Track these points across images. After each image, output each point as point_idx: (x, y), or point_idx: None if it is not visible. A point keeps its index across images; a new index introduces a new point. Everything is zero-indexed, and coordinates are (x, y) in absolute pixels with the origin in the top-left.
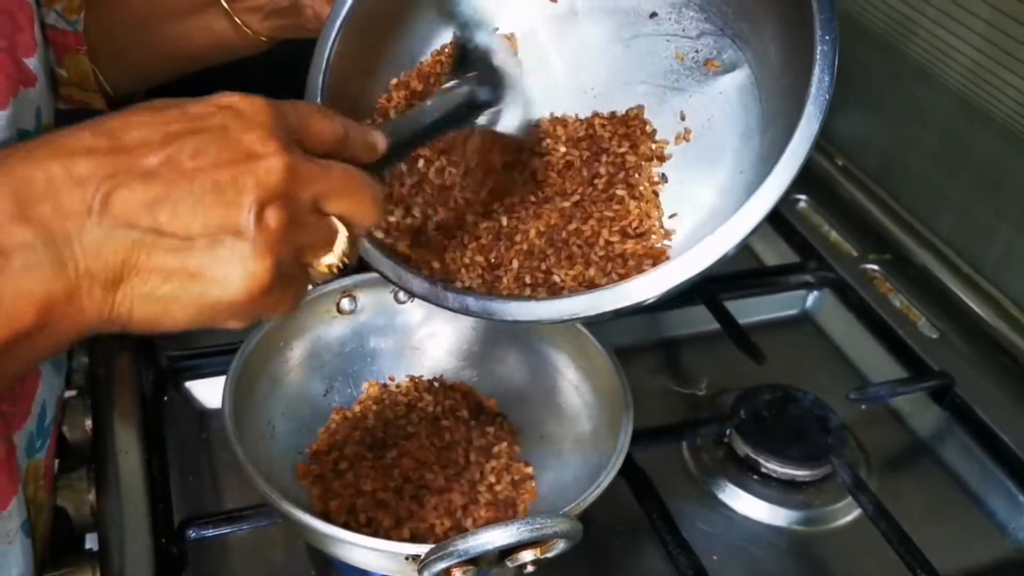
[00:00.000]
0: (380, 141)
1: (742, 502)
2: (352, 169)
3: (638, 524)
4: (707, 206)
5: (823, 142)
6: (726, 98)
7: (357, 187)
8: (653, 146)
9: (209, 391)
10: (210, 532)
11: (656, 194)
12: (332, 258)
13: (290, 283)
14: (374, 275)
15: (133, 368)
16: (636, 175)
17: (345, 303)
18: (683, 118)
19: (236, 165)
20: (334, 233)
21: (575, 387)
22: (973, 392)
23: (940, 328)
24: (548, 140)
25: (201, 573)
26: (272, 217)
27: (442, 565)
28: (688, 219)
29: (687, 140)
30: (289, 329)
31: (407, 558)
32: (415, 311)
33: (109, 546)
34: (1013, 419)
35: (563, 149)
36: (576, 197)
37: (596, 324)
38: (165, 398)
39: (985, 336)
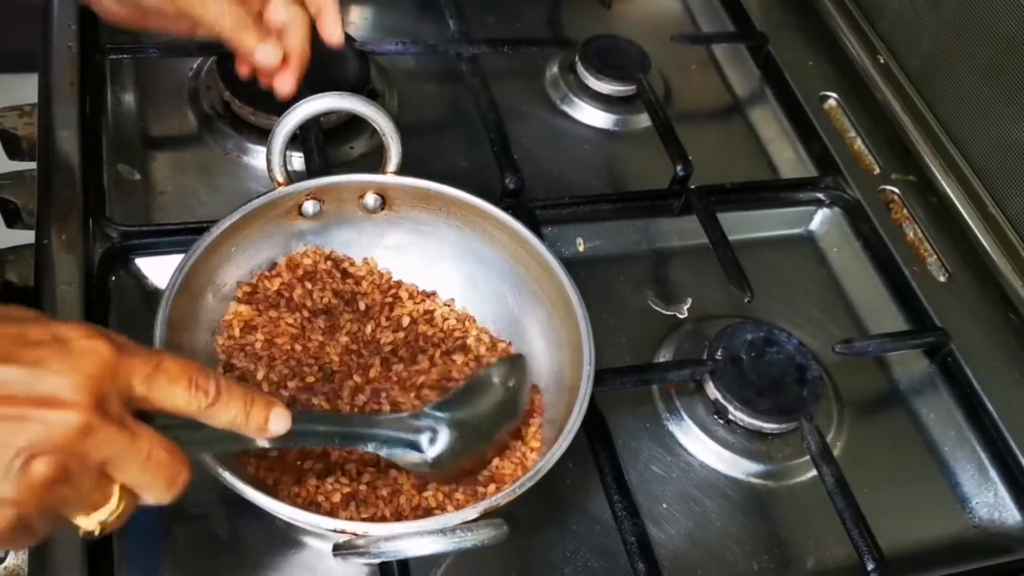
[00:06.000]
0: (277, 423)
1: (702, 447)
2: (161, 445)
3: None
4: None
5: (868, 33)
6: None
7: (157, 466)
8: None
9: (162, 271)
10: None
11: None
12: (88, 523)
13: (32, 529)
14: (342, 178)
15: (81, 239)
16: None
17: (308, 206)
18: None
19: (26, 406)
20: (106, 498)
21: (543, 327)
22: (968, 351)
23: (950, 270)
24: None
25: None
26: (38, 471)
27: (355, 560)
28: None
29: None
30: (243, 231)
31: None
32: (382, 220)
33: None
34: (1004, 386)
35: None
36: None
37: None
38: (113, 278)
39: (995, 287)
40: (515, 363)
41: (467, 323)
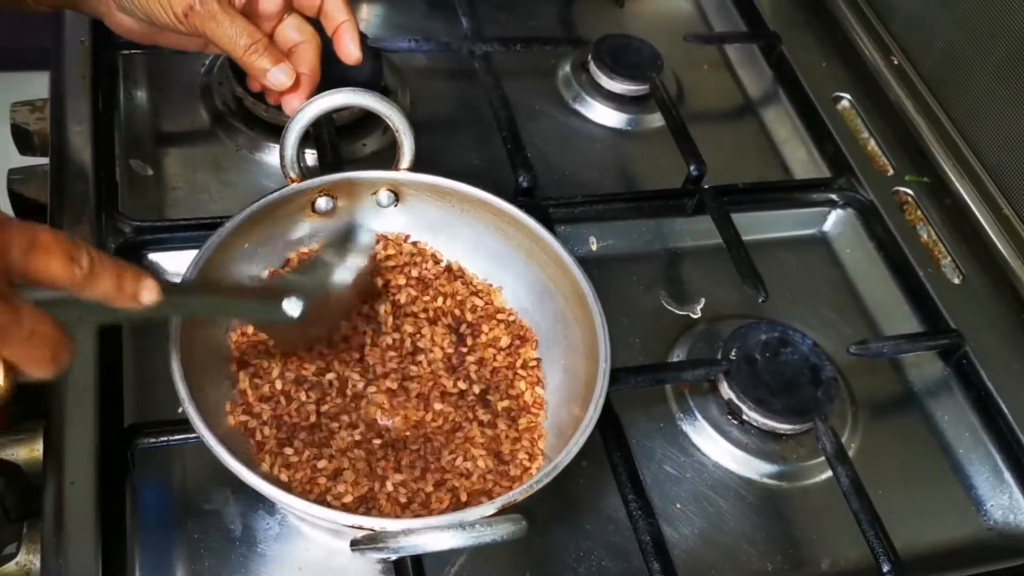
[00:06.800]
0: (147, 294)
1: (716, 447)
2: (45, 320)
3: (603, 461)
4: None
5: (882, 34)
6: None
7: (41, 341)
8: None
9: (175, 265)
10: (161, 441)
11: None
12: None
13: None
14: (355, 174)
15: (95, 235)
16: None
17: (322, 203)
18: None
19: None
20: None
21: (558, 324)
22: (983, 352)
23: (964, 272)
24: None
25: (148, 475)
26: None
27: (373, 555)
28: None
29: None
30: (256, 227)
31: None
32: (397, 217)
33: (51, 448)
34: (1019, 388)
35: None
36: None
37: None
38: None
39: (1010, 289)
40: (346, 235)
41: (491, 295)
